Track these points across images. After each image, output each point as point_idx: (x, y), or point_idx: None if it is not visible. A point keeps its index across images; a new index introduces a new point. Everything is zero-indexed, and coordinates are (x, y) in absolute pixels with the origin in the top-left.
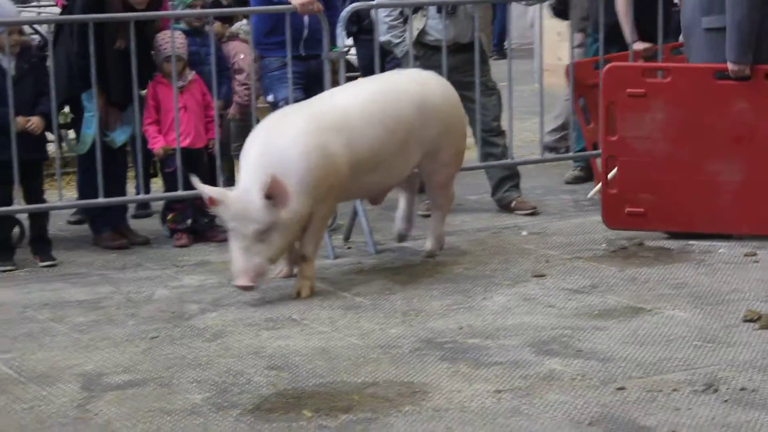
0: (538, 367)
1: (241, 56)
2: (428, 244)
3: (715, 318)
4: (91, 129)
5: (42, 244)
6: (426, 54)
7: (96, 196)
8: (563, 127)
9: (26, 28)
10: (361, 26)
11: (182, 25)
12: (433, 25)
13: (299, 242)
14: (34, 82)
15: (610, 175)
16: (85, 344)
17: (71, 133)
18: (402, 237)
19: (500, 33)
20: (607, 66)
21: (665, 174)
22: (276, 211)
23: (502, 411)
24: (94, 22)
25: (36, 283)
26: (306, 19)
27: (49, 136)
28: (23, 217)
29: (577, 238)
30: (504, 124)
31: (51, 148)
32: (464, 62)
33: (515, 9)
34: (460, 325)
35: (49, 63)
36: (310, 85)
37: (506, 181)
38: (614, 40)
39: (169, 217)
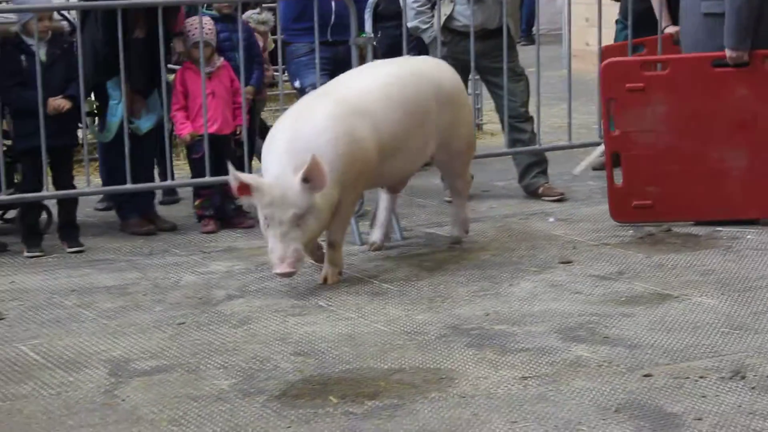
0: (564, 353)
1: None
2: (454, 231)
3: (743, 305)
4: (116, 116)
5: (70, 230)
6: (453, 40)
7: (123, 183)
8: None
9: (56, 14)
10: (377, 12)
11: (212, 11)
12: (460, 10)
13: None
14: (66, 68)
15: (594, 155)
16: (113, 330)
17: (95, 121)
18: (378, 247)
19: (528, 18)
20: (605, 62)
21: (670, 165)
22: (312, 195)
23: (529, 397)
24: (118, 10)
25: (63, 269)
26: (333, 4)
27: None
28: (51, 203)
29: (605, 224)
30: (532, 109)
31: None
32: (492, 48)
33: None
34: (486, 311)
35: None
36: (337, 71)
37: (534, 167)
38: (643, 26)
39: (196, 203)
